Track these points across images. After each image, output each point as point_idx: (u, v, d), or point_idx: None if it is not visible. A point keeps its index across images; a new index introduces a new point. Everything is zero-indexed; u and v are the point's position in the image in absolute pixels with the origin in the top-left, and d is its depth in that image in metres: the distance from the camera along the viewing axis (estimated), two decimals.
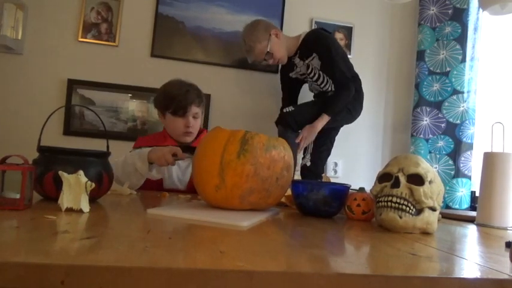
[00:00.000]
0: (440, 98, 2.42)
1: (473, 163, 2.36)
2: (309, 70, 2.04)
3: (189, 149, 1.43)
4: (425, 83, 2.44)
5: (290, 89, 2.25)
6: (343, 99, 1.94)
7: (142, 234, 0.56)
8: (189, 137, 1.59)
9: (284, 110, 1.98)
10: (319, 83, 2.04)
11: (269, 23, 2.07)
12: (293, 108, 1.97)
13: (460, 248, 0.70)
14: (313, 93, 2.20)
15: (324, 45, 1.95)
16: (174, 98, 1.55)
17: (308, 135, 1.92)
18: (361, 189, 1.00)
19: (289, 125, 1.93)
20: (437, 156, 2.40)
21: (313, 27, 2.45)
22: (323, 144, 2.09)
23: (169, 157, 1.33)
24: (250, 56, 2.06)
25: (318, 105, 2.00)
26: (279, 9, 2.42)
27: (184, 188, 1.56)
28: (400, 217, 0.80)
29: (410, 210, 0.80)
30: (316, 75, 2.02)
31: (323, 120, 1.92)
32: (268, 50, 1.99)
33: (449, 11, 2.44)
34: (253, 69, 2.38)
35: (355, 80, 2.06)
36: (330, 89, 2.02)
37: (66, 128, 2.19)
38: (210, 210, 0.86)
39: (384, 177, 0.88)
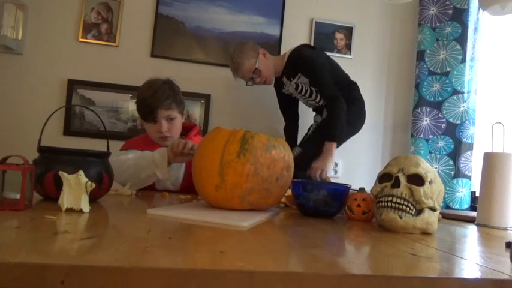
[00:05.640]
0: (440, 98, 2.42)
1: (474, 163, 2.36)
2: (300, 88, 2.02)
3: None
4: (425, 83, 2.44)
5: (287, 106, 2.23)
6: (338, 118, 1.85)
7: (142, 234, 0.56)
8: (168, 141, 1.47)
9: (293, 154, 1.95)
10: (314, 98, 2.02)
11: (256, 44, 2.07)
12: (301, 150, 1.93)
13: (460, 248, 0.70)
14: (311, 109, 2.17)
15: (306, 66, 1.93)
16: (142, 103, 1.45)
17: (321, 167, 1.83)
18: (361, 190, 0.99)
19: (303, 168, 1.84)
20: (438, 156, 2.40)
21: (313, 27, 2.46)
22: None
23: (188, 142, 1.28)
24: (238, 73, 2.03)
25: (321, 133, 1.91)
26: (279, 9, 2.42)
27: (177, 189, 1.52)
28: (400, 217, 0.80)
29: (411, 211, 0.80)
30: (309, 92, 1.99)
31: (330, 148, 1.84)
32: (257, 67, 1.97)
33: (450, 11, 2.44)
34: None
35: (352, 88, 2.04)
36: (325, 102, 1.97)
37: (66, 128, 2.19)
38: (210, 210, 0.86)
39: (384, 177, 0.88)
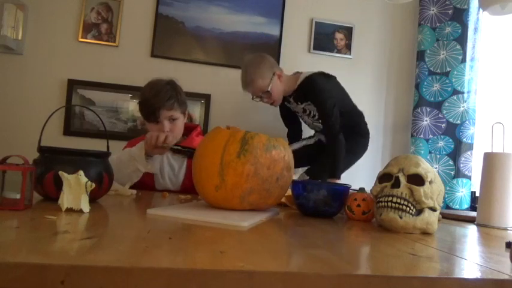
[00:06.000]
0: (440, 98, 2.42)
1: (474, 163, 2.36)
2: (308, 112, 2.01)
3: (180, 151, 1.41)
4: (425, 83, 2.44)
5: (289, 116, 2.22)
6: (339, 154, 1.89)
7: (142, 234, 0.56)
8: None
9: None
10: (321, 122, 1.99)
11: (274, 61, 2.00)
12: (308, 178, 1.97)
13: (460, 248, 0.70)
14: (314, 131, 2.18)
15: (317, 98, 1.92)
16: (144, 103, 1.46)
17: None
18: (361, 190, 0.99)
19: None
20: (438, 156, 2.40)
21: (313, 27, 2.46)
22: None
23: (160, 134, 1.34)
24: (247, 89, 1.99)
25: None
26: (279, 9, 2.42)
27: (177, 189, 1.52)
28: (400, 217, 0.80)
29: (411, 211, 0.80)
30: (317, 116, 1.98)
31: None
32: (269, 89, 1.93)
33: (450, 11, 2.44)
34: None
35: (360, 120, 2.06)
36: None
37: (66, 128, 2.19)
38: (210, 210, 0.86)
39: (384, 177, 0.88)
